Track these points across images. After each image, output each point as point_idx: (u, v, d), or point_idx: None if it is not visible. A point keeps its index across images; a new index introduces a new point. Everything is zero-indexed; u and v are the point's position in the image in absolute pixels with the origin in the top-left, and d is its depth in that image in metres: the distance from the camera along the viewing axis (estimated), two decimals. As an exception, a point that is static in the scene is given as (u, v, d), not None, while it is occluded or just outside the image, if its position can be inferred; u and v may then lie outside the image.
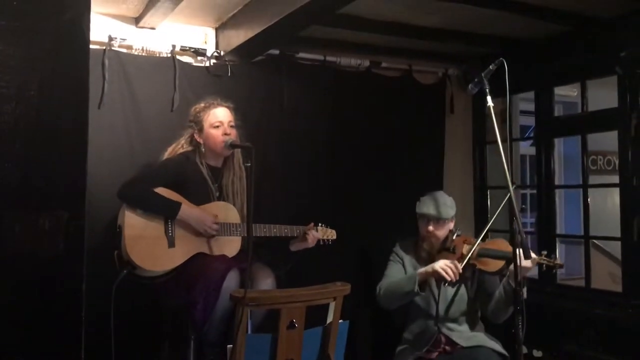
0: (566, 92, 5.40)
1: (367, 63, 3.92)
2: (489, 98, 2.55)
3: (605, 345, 3.34)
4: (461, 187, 4.31)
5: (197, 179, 2.91)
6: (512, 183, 2.62)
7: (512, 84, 2.53)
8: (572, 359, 3.51)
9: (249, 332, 2.46)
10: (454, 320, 3.13)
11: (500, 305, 2.97)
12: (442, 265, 2.94)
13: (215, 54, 3.48)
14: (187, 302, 2.63)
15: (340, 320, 2.52)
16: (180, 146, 2.99)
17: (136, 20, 3.30)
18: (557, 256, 3.14)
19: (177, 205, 2.75)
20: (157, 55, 3.35)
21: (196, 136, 2.96)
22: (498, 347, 3.05)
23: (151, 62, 3.32)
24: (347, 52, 3.84)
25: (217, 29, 3.53)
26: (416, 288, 2.97)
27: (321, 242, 3.10)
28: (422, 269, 3.05)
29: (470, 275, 3.16)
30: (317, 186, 3.72)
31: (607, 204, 4.47)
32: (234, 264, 2.73)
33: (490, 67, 2.58)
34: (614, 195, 3.60)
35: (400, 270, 3.27)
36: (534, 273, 3.88)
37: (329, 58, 3.78)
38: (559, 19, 3.38)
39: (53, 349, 1.32)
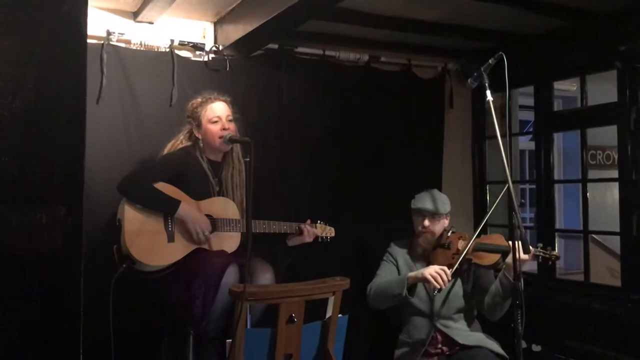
0: (566, 87, 5.40)
1: (366, 57, 3.90)
2: (488, 92, 2.54)
3: (604, 340, 3.35)
4: (460, 181, 4.31)
5: (198, 174, 2.91)
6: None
7: (512, 79, 2.52)
8: (571, 353, 3.52)
9: (248, 326, 2.46)
10: (451, 318, 3.12)
11: (497, 299, 2.95)
12: (432, 272, 2.91)
13: (214, 48, 3.47)
14: (187, 297, 2.62)
15: (340, 315, 2.53)
16: (179, 142, 2.99)
17: (134, 15, 3.29)
18: (556, 249, 3.14)
19: (176, 203, 2.74)
20: (156, 49, 3.33)
21: (195, 132, 2.96)
22: (497, 347, 3.04)
23: (149, 57, 3.31)
24: (346, 46, 3.83)
25: (215, 24, 3.52)
26: (404, 292, 2.97)
27: (320, 240, 3.10)
28: (412, 273, 3.04)
29: (467, 270, 3.15)
30: (315, 180, 3.72)
31: (607, 198, 4.47)
32: (233, 259, 2.73)
33: (490, 61, 2.57)
34: (613, 190, 3.59)
35: (392, 271, 3.27)
36: (533, 268, 3.88)
37: (328, 52, 3.77)
38: (559, 13, 3.37)
39: (51, 344, 1.32)
